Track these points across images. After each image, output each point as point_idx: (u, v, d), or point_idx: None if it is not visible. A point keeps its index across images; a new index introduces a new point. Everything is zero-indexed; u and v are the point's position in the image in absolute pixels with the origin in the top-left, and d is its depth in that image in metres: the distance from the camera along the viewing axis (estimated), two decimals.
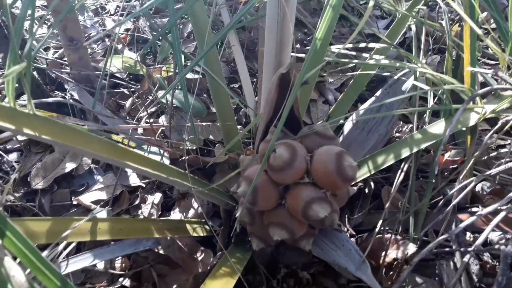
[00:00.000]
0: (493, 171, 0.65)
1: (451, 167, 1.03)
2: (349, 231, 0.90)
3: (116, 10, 1.66)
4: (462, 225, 0.66)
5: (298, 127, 0.73)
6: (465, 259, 0.66)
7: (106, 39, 1.48)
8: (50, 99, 0.66)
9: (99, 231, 0.68)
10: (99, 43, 1.50)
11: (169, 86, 0.73)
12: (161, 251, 0.92)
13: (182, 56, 0.80)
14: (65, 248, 0.81)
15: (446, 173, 1.02)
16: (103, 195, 1.05)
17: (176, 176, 0.75)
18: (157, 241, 0.89)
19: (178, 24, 0.87)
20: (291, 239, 0.74)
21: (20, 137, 1.18)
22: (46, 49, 1.44)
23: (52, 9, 1.14)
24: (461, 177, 0.72)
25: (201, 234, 0.90)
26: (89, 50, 1.42)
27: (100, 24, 1.59)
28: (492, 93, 0.80)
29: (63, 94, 1.22)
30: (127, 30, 1.52)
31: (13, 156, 1.19)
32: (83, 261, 0.81)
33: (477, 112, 0.77)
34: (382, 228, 0.86)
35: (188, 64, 1.30)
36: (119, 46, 1.44)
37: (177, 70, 0.76)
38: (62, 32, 1.18)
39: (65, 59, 1.29)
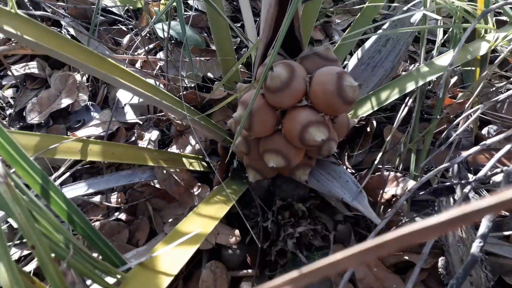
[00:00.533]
0: (501, 96, 0.62)
1: (457, 112, 1.00)
2: (348, 168, 0.88)
3: None
4: (464, 154, 0.63)
5: (299, 51, 0.69)
6: (466, 190, 0.64)
7: None
8: (37, 12, 0.62)
9: (90, 152, 0.66)
10: None
11: (165, 9, 0.69)
12: (157, 185, 0.91)
13: None
14: (59, 177, 0.80)
15: (452, 116, 0.99)
16: (99, 131, 1.03)
17: (171, 102, 0.72)
18: (153, 174, 0.87)
19: None
20: (287, 168, 0.73)
21: (16, 72, 1.15)
22: None
23: None
24: (467, 105, 0.69)
25: (198, 169, 0.88)
26: None
27: None
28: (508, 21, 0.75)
29: (60, 30, 1.18)
30: None
31: (8, 92, 1.16)
32: (78, 189, 0.80)
33: (488, 41, 0.73)
34: (381, 166, 0.84)
35: None
36: None
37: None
38: None
39: None
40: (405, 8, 0.90)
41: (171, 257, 0.51)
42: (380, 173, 0.83)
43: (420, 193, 0.76)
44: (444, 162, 0.73)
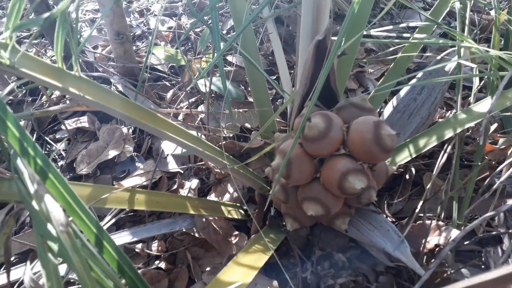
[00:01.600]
0: None
1: (500, 158, 0.97)
2: (388, 217, 0.86)
3: (160, 11, 1.73)
4: (510, 202, 0.62)
5: (335, 102, 0.72)
6: None
7: (150, 37, 1.54)
8: (95, 73, 0.69)
9: (137, 201, 0.70)
10: (143, 41, 1.56)
11: (208, 67, 0.74)
12: (196, 235, 0.93)
13: (220, 40, 0.82)
14: (104, 225, 0.84)
15: (494, 163, 0.96)
16: (143, 180, 1.07)
17: (212, 152, 0.76)
18: (193, 222, 0.89)
19: (218, 14, 0.90)
20: (326, 217, 0.73)
21: (68, 126, 1.24)
22: (95, 48, 1.52)
23: (105, 13, 1.20)
24: (510, 151, 0.68)
25: (236, 217, 0.90)
26: (134, 48, 1.48)
27: (144, 24, 1.66)
28: None
29: (109, 87, 1.28)
30: (169, 28, 1.58)
31: (61, 146, 1.25)
32: (121, 238, 0.83)
33: None
34: (422, 214, 0.82)
35: (228, 52, 1.33)
36: (162, 43, 1.49)
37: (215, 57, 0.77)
38: (109, 26, 1.24)
39: (112, 55, 1.35)
40: (438, 58, 0.92)
41: None
42: (421, 222, 0.81)
43: (465, 242, 0.73)
44: (488, 211, 0.71)
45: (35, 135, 1.26)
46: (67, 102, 1.36)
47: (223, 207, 0.89)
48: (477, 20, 1.35)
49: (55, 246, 0.40)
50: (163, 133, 0.65)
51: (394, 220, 0.86)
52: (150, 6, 1.77)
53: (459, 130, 0.80)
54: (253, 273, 0.61)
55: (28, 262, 0.42)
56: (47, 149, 1.24)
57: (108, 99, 0.58)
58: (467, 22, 0.86)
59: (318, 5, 0.64)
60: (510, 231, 0.64)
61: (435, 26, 0.91)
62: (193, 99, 1.21)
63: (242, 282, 0.57)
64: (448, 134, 0.82)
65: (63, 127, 1.24)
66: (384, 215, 0.81)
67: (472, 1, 1.19)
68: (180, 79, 1.24)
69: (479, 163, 0.78)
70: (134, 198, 0.70)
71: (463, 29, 0.91)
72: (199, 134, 1.00)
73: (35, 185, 0.41)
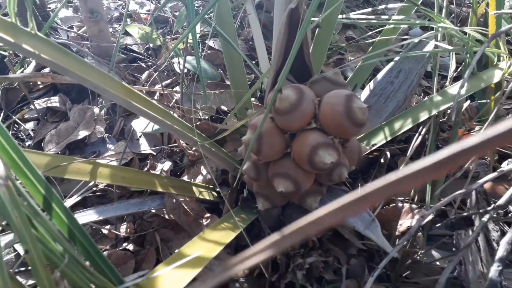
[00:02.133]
0: None
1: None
2: None
3: None
4: (480, 181, 0.61)
5: (309, 78, 0.70)
6: (485, 219, 0.61)
7: (128, 20, 1.50)
8: (59, 39, 0.66)
9: (99, 174, 0.67)
10: (120, 24, 1.52)
11: (181, 38, 0.71)
12: (166, 216, 0.90)
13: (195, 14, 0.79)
14: (67, 201, 0.80)
15: None
16: (113, 162, 1.04)
17: (183, 128, 0.73)
18: (163, 203, 0.86)
19: None
20: (296, 194, 0.71)
21: (38, 106, 1.19)
22: (70, 28, 1.47)
23: None
24: (481, 130, 0.67)
25: (208, 198, 0.87)
26: (110, 30, 1.44)
27: (123, 7, 1.62)
28: None
29: None
30: (148, 11, 1.54)
31: (30, 125, 1.20)
32: (87, 216, 0.79)
33: (501, 69, 0.72)
34: (395, 198, 0.81)
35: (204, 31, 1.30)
36: (141, 25, 1.45)
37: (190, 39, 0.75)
38: (83, 4, 1.20)
39: (86, 34, 1.31)
40: (416, 40, 0.91)
41: (171, 278, 0.49)
42: (395, 205, 0.80)
43: (437, 225, 0.73)
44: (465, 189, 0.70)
45: (1, 114, 1.21)
46: (39, 84, 1.31)
47: (194, 188, 0.86)
48: (457, 12, 1.35)
49: None
50: (130, 103, 0.62)
51: None
52: None
53: (434, 112, 0.80)
54: (218, 249, 0.58)
55: None
56: (15, 129, 1.19)
57: (66, 61, 0.55)
58: (444, 5, 0.85)
59: None
60: (479, 211, 0.64)
61: (414, 8, 0.90)
62: (168, 81, 1.18)
63: (206, 255, 0.55)
64: (424, 116, 0.81)
65: (32, 106, 1.19)
66: None
67: None
68: (156, 60, 1.21)
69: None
70: (97, 171, 0.66)
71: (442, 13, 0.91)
72: (172, 113, 0.97)
73: None
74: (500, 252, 0.42)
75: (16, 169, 0.41)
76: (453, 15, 1.15)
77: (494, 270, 0.41)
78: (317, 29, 0.81)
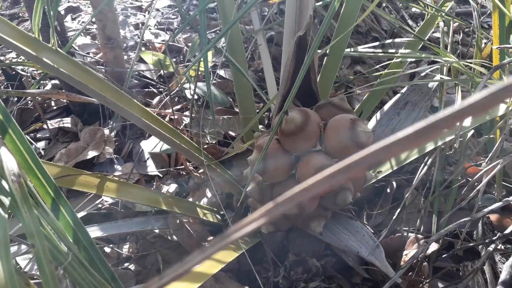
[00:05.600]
0: None
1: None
2: (367, 226, 0.84)
3: (155, 25, 1.75)
4: (485, 210, 0.61)
5: (315, 103, 0.72)
6: (490, 249, 0.60)
7: (143, 49, 1.56)
8: (77, 59, 0.69)
9: (106, 188, 0.68)
10: (135, 51, 1.57)
11: (194, 62, 0.74)
12: (169, 238, 0.89)
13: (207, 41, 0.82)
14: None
15: (476, 184, 0.96)
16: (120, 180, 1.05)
17: (190, 147, 0.74)
18: (166, 223, 0.86)
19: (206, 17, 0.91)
20: (301, 218, 0.71)
21: (50, 126, 1.22)
22: (87, 53, 1.53)
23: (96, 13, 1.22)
24: (483, 164, 0.68)
25: (212, 220, 0.87)
26: (125, 57, 1.49)
27: (138, 36, 1.68)
28: None
29: None
30: (163, 40, 1.60)
31: (41, 144, 1.23)
32: (90, 233, 0.79)
33: (505, 102, 0.73)
34: (402, 227, 0.81)
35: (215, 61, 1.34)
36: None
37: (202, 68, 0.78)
38: (101, 31, 1.25)
39: (102, 59, 1.36)
40: (423, 74, 0.94)
41: None
42: (400, 234, 0.79)
43: (443, 256, 0.72)
44: (466, 225, 0.69)
45: None
46: (53, 106, 1.35)
47: (198, 209, 0.87)
48: (463, 50, 1.38)
49: (6, 201, 0.38)
50: (141, 120, 0.64)
51: (373, 232, 0.84)
52: (146, 21, 1.80)
53: (439, 143, 0.80)
54: (219, 267, 0.58)
55: None
56: None
57: (84, 77, 0.57)
58: (449, 40, 0.88)
59: (300, 2, 0.65)
60: (486, 241, 0.63)
61: (421, 43, 0.93)
62: (178, 106, 1.21)
63: (206, 272, 0.54)
64: (429, 147, 0.82)
65: (45, 126, 1.22)
66: (360, 222, 0.79)
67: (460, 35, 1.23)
68: (167, 87, 1.24)
69: (460, 178, 0.78)
70: (104, 185, 0.67)
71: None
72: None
73: None
74: (503, 275, 0.42)
75: (29, 170, 0.42)
76: (458, 51, 1.18)
77: None
78: (325, 58, 0.84)
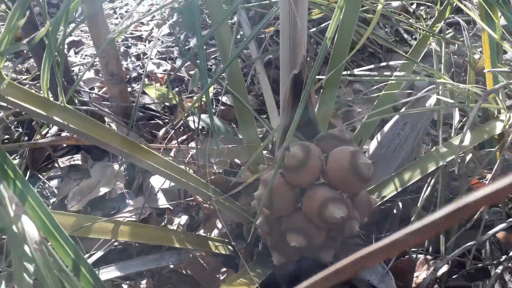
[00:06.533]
0: None
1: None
2: None
3: (156, 55, 1.80)
4: (491, 232, 0.62)
5: (316, 134, 0.74)
6: (498, 270, 0.61)
7: (146, 80, 1.60)
8: (83, 107, 0.72)
9: (121, 232, 0.70)
10: (138, 83, 1.61)
11: (195, 101, 0.77)
12: (184, 272, 0.91)
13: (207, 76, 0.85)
14: (89, 257, 0.83)
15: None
16: (132, 217, 1.07)
17: (197, 184, 0.77)
18: (180, 258, 0.89)
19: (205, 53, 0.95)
20: (310, 248, 0.72)
21: (62, 164, 1.26)
22: (92, 89, 1.57)
23: (100, 50, 1.26)
24: (487, 181, 0.69)
25: (224, 252, 0.89)
26: (129, 89, 1.53)
27: (141, 67, 1.72)
28: None
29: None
30: (165, 70, 1.64)
31: (54, 182, 1.26)
32: (108, 273, 0.82)
33: (501, 120, 0.75)
34: (410, 249, 0.82)
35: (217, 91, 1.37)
36: (157, 85, 1.54)
37: (204, 99, 0.81)
38: (104, 67, 1.29)
39: (107, 95, 1.40)
40: (419, 94, 0.96)
41: None
42: (409, 256, 0.80)
43: (454, 276, 0.73)
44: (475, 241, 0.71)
45: (28, 173, 1.28)
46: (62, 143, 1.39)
47: (210, 242, 0.89)
48: (456, 70, 1.40)
49: (30, 267, 0.40)
50: (148, 164, 0.66)
51: None
52: (147, 51, 1.85)
53: (441, 163, 0.82)
54: None
55: (3, 283, 0.42)
56: (40, 186, 1.25)
57: (91, 129, 0.60)
58: (443, 60, 0.90)
59: (294, 41, 0.68)
60: (493, 262, 0.64)
61: (414, 65, 0.96)
62: (184, 137, 1.24)
63: None
64: (431, 167, 0.83)
65: (56, 165, 1.25)
66: None
67: (455, 45, 1.25)
68: (172, 118, 1.27)
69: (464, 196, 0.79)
70: (118, 229, 0.70)
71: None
72: (187, 168, 1.02)
73: (13, 206, 0.43)
74: None
75: (48, 233, 0.44)
76: (452, 69, 1.20)
77: None
78: (323, 87, 0.87)
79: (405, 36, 1.72)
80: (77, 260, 0.45)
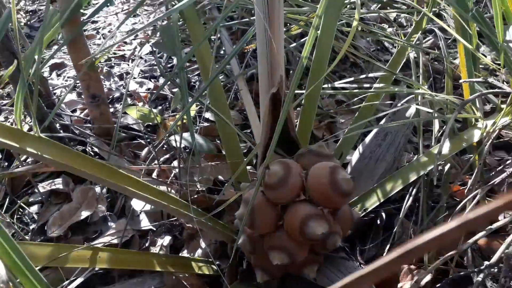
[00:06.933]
0: (496, 180, 0.62)
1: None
2: (361, 264, 0.85)
3: (139, 74, 1.79)
4: (471, 240, 0.62)
5: (297, 150, 0.74)
6: (479, 278, 0.61)
7: (129, 99, 1.59)
8: (61, 134, 0.71)
9: (99, 259, 0.68)
10: (121, 103, 1.60)
11: (175, 122, 0.77)
12: None
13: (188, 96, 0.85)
14: (70, 283, 0.81)
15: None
16: (114, 241, 1.05)
17: (178, 206, 0.76)
18: (163, 281, 0.87)
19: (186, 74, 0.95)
20: (293, 266, 0.71)
21: (42, 189, 1.23)
22: (74, 111, 1.55)
23: (80, 75, 1.25)
24: (466, 191, 0.69)
25: (207, 273, 0.87)
26: (112, 110, 1.52)
27: (123, 87, 1.71)
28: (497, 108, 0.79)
29: (85, 148, 1.29)
30: (148, 89, 1.63)
31: (34, 208, 1.23)
32: None
33: (479, 128, 0.75)
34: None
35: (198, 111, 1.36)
36: (140, 104, 1.53)
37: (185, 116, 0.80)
38: (85, 90, 1.28)
39: (88, 117, 1.38)
40: (399, 104, 0.96)
41: None
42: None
43: (437, 285, 0.72)
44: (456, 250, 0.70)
45: (7, 200, 1.25)
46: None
47: (193, 263, 0.87)
48: (434, 69, 1.42)
49: None
50: (125, 189, 0.65)
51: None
52: (130, 70, 1.84)
53: (422, 172, 0.82)
54: None
55: None
56: (19, 213, 1.22)
57: (66, 157, 0.59)
58: (421, 71, 0.91)
59: (271, 62, 0.68)
60: (475, 269, 0.64)
61: (393, 76, 0.96)
62: (167, 156, 1.23)
63: None
64: (413, 177, 0.84)
65: (36, 190, 1.23)
66: (356, 262, 0.80)
67: (431, 54, 1.27)
68: (155, 137, 1.26)
69: (445, 204, 0.79)
70: (97, 256, 0.68)
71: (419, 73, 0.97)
72: (169, 189, 1.00)
73: None
74: None
75: (16, 268, 0.43)
76: (431, 78, 1.22)
77: None
78: (303, 102, 0.87)
79: (386, 44, 1.74)
80: None
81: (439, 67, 1.50)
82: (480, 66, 1.40)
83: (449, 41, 1.54)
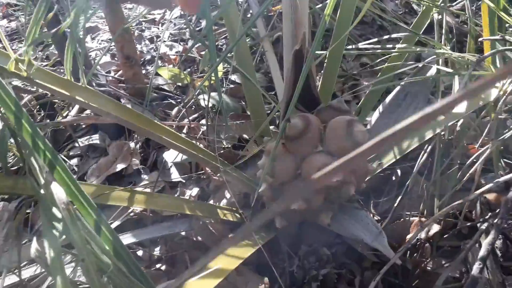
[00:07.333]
0: (507, 135, 0.65)
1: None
2: (374, 215, 0.91)
3: (169, 37, 1.84)
4: (478, 191, 0.66)
5: (317, 106, 0.79)
6: (483, 227, 0.66)
7: (159, 62, 1.66)
8: (101, 88, 0.78)
9: (136, 200, 0.77)
10: (152, 65, 1.67)
11: (204, 79, 0.82)
12: (194, 238, 0.98)
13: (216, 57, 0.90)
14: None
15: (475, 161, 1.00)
16: (147, 190, 1.15)
17: (206, 156, 0.83)
18: (191, 225, 0.96)
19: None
20: (309, 212, 0.78)
21: (81, 144, 1.34)
22: (108, 72, 1.63)
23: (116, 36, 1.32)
24: (477, 146, 0.73)
25: (231, 219, 0.96)
26: (143, 71, 1.59)
27: (154, 50, 1.78)
28: None
29: None
30: (177, 52, 1.69)
31: (74, 161, 1.35)
32: (124, 240, 0.89)
33: (497, 87, 0.77)
34: (404, 212, 0.87)
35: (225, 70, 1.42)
36: (170, 66, 1.59)
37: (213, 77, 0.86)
38: (119, 51, 1.35)
39: (123, 77, 1.46)
40: (420, 65, 0.98)
41: (196, 286, 0.58)
42: (404, 219, 0.85)
43: (444, 236, 0.77)
44: (465, 205, 0.75)
45: None
46: (82, 124, 1.47)
47: (219, 210, 0.95)
48: (463, 32, 1.40)
49: (59, 226, 0.47)
50: (159, 137, 0.72)
51: (380, 218, 0.91)
52: (160, 33, 1.89)
53: (438, 130, 0.86)
54: (238, 262, 0.66)
55: (34, 239, 0.49)
56: None
57: (110, 107, 0.67)
58: (443, 32, 0.92)
59: (295, 21, 0.72)
60: (481, 220, 0.68)
61: (416, 37, 0.98)
62: (196, 115, 1.30)
63: (227, 268, 0.63)
64: (429, 134, 0.87)
65: (76, 144, 1.33)
66: (368, 212, 0.86)
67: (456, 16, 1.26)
68: (184, 97, 1.33)
69: (459, 162, 0.83)
70: (134, 197, 0.77)
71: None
72: (198, 143, 1.08)
73: (44, 174, 0.49)
74: (482, 252, 0.48)
75: (74, 198, 0.51)
76: (454, 39, 1.21)
77: (476, 268, 0.46)
78: (326, 61, 0.90)
79: (415, 7, 1.72)
80: (98, 221, 0.51)
81: (467, 30, 1.47)
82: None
83: (479, 2, 1.50)
